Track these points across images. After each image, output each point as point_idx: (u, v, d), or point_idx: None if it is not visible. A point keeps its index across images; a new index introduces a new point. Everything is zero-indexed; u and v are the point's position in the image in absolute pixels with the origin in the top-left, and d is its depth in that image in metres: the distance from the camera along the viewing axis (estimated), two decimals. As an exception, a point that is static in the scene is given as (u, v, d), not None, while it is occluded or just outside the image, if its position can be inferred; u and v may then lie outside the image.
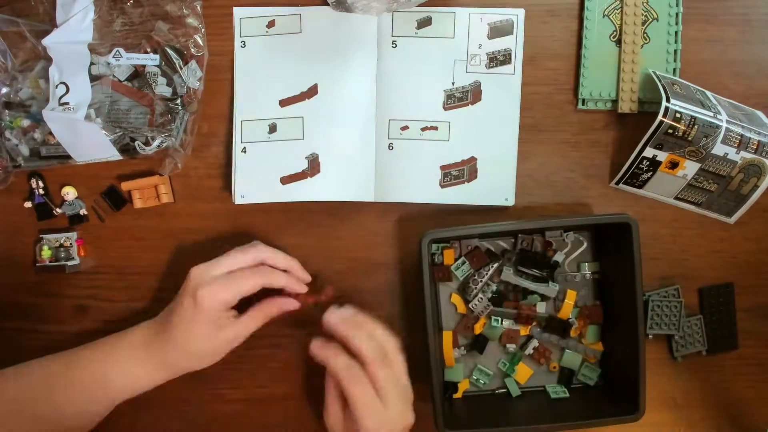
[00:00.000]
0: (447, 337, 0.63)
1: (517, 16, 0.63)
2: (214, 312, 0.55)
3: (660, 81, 0.60)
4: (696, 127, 0.57)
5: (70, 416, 0.57)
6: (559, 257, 0.64)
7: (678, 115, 0.57)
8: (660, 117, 0.57)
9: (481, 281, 0.63)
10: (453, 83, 0.64)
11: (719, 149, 0.59)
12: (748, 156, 0.59)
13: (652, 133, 0.58)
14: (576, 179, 0.65)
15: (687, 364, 0.66)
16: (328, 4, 0.63)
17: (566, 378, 0.65)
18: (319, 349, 0.54)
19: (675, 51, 0.63)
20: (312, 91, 0.64)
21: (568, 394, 0.64)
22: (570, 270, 0.65)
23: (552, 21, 0.64)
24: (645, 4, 0.63)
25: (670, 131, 0.58)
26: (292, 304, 0.58)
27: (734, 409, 0.67)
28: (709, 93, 0.62)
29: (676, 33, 0.63)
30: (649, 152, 0.60)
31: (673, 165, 0.60)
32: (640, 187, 0.64)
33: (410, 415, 0.55)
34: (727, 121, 0.59)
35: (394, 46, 0.63)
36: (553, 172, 0.65)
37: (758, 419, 0.67)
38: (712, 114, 0.59)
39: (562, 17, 0.64)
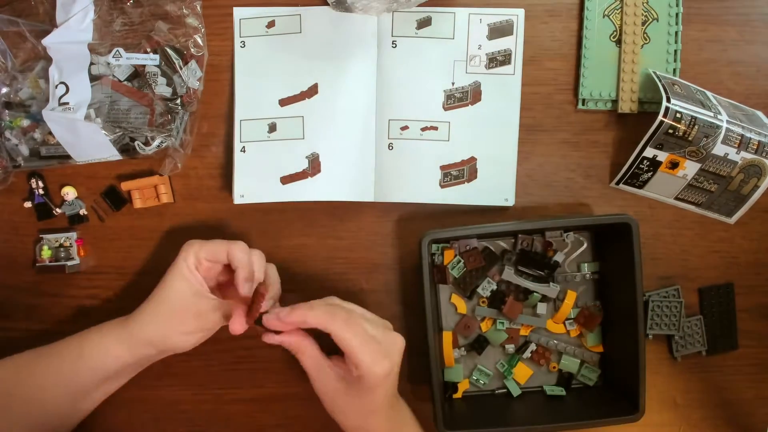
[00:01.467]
0: (447, 337, 0.63)
1: (517, 16, 0.63)
2: (193, 278, 0.56)
3: (660, 81, 0.60)
4: (696, 127, 0.57)
5: (41, 409, 0.57)
6: (559, 257, 0.63)
7: (678, 115, 0.57)
8: (660, 117, 0.57)
9: (480, 282, 0.63)
10: (453, 83, 0.64)
11: (719, 149, 0.59)
12: (749, 156, 0.59)
13: (652, 133, 0.58)
14: (576, 179, 0.65)
15: (687, 364, 0.66)
16: (328, 4, 0.63)
17: (566, 379, 0.65)
18: (287, 318, 0.53)
19: (675, 51, 0.63)
20: (312, 91, 0.64)
21: (564, 392, 0.64)
22: (570, 270, 0.65)
23: (552, 21, 0.64)
24: (645, 4, 0.63)
25: (671, 131, 0.58)
26: (238, 326, 0.56)
27: (734, 409, 0.67)
28: (709, 93, 0.62)
29: (676, 33, 0.63)
30: (649, 152, 0.60)
31: (674, 165, 0.60)
32: (640, 187, 0.64)
33: (399, 337, 0.55)
34: (728, 122, 0.59)
35: (394, 46, 0.63)
36: (553, 172, 0.65)
37: (758, 419, 0.67)
38: (712, 114, 0.59)
39: (562, 17, 0.64)
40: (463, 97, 0.64)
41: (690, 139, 0.58)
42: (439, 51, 0.63)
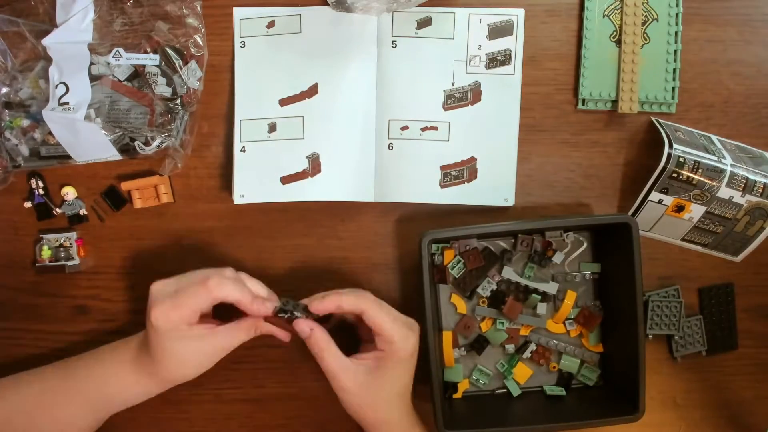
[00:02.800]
0: (447, 337, 0.63)
1: (516, 16, 0.63)
2: (174, 331, 0.53)
3: (663, 128, 0.61)
4: (700, 171, 0.58)
5: (65, 427, 0.57)
6: (559, 257, 0.63)
7: (681, 159, 0.58)
8: (663, 163, 0.58)
9: (480, 282, 0.63)
10: (453, 83, 0.64)
11: (724, 193, 0.60)
12: (754, 199, 0.60)
13: (656, 178, 0.59)
14: (576, 179, 0.65)
15: (687, 364, 0.66)
16: (328, 4, 0.63)
17: (566, 379, 0.65)
18: (319, 304, 0.55)
19: (675, 51, 0.63)
20: (312, 91, 0.64)
21: (564, 392, 0.64)
22: (570, 270, 0.65)
23: (552, 21, 0.64)
24: (645, 4, 0.63)
25: (675, 176, 0.59)
26: (275, 332, 0.57)
27: (734, 409, 0.67)
28: (713, 137, 0.63)
29: (676, 33, 0.63)
30: (654, 196, 0.61)
31: (679, 209, 0.60)
32: (646, 229, 0.64)
33: (415, 323, 0.58)
34: (732, 165, 0.59)
35: (394, 46, 0.63)
36: (553, 172, 0.65)
37: (758, 419, 0.67)
38: (716, 158, 0.59)
39: (562, 17, 0.64)
40: (463, 97, 0.64)
41: (694, 183, 0.59)
42: (438, 51, 0.63)
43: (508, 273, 0.63)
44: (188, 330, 0.54)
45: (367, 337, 0.58)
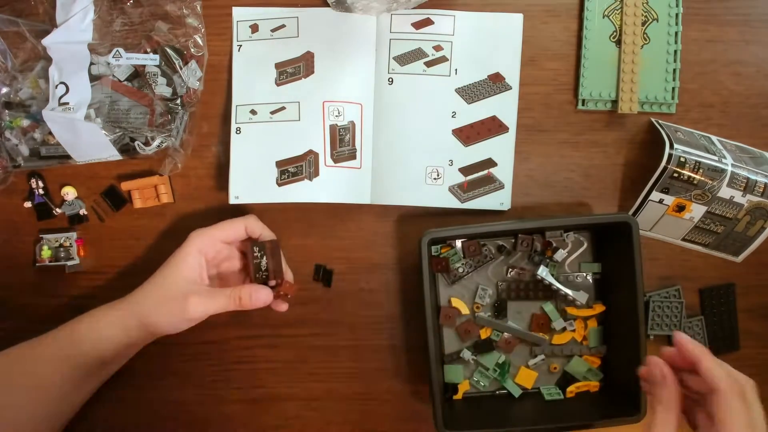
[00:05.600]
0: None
1: (516, 19, 0.63)
2: (195, 251, 0.57)
3: (663, 128, 0.61)
4: (701, 171, 0.58)
5: (54, 389, 0.57)
6: (559, 257, 0.63)
7: (682, 159, 0.58)
8: (664, 163, 0.58)
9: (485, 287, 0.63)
10: (453, 83, 0.63)
11: (725, 192, 0.60)
12: (755, 199, 0.60)
13: (657, 178, 0.59)
14: (576, 179, 0.65)
15: (688, 365, 0.66)
16: (328, 5, 0.63)
17: (566, 379, 0.65)
18: (687, 347, 0.45)
19: (675, 51, 0.63)
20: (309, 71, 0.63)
21: (562, 396, 0.64)
22: (570, 270, 0.65)
23: (552, 21, 0.64)
24: (645, 4, 0.63)
25: (676, 175, 0.59)
26: (265, 295, 0.58)
27: (735, 410, 0.67)
28: (714, 138, 0.63)
29: (676, 33, 0.63)
30: (655, 196, 0.61)
31: (680, 208, 0.60)
32: (647, 229, 0.64)
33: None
34: (733, 165, 0.59)
35: (392, 47, 0.63)
36: (552, 172, 0.65)
37: (759, 420, 0.67)
38: (716, 158, 0.59)
39: (561, 18, 0.64)
40: (464, 99, 0.64)
41: (695, 183, 0.59)
42: (438, 53, 0.63)
43: (543, 273, 0.62)
44: (200, 274, 0.57)
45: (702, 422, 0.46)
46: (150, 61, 0.62)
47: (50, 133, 0.61)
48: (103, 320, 0.58)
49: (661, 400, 0.45)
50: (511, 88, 0.64)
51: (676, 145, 0.59)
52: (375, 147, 0.64)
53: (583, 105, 0.64)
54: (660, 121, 0.63)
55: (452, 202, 0.64)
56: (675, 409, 0.44)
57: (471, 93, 0.64)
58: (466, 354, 0.64)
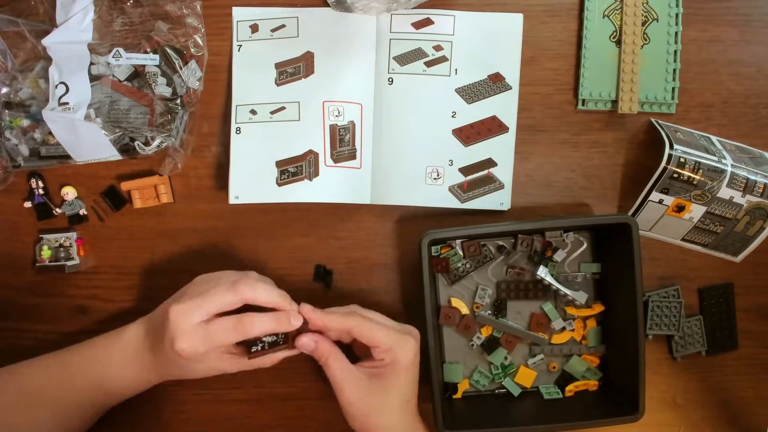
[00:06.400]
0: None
1: (515, 20, 0.63)
2: (198, 356, 0.54)
3: (663, 129, 0.61)
4: (701, 171, 0.58)
5: (65, 416, 0.58)
6: (559, 257, 0.63)
7: (682, 160, 0.58)
8: (663, 163, 0.58)
9: (485, 287, 0.63)
10: (453, 83, 0.63)
11: (725, 193, 0.60)
12: (754, 199, 0.60)
13: (657, 178, 0.59)
14: (576, 179, 0.65)
15: (687, 365, 0.66)
16: (327, 5, 0.63)
17: (565, 379, 0.65)
18: (318, 318, 0.55)
19: (675, 51, 0.63)
20: (309, 70, 0.63)
21: (561, 395, 0.64)
22: (570, 270, 0.65)
23: (552, 21, 0.64)
24: (645, 4, 0.63)
25: (675, 176, 0.59)
26: (287, 352, 0.57)
27: (734, 409, 0.67)
28: (713, 138, 0.63)
29: (676, 33, 0.63)
30: (655, 197, 0.61)
31: (680, 209, 0.60)
32: (646, 229, 0.64)
33: (413, 328, 0.57)
34: (732, 165, 0.60)
35: (392, 48, 0.63)
36: (552, 172, 0.65)
37: (757, 419, 0.67)
38: (716, 159, 0.60)
39: (561, 18, 0.64)
40: (464, 99, 0.64)
41: (695, 183, 0.59)
42: (438, 53, 0.63)
43: (543, 273, 0.62)
44: (208, 354, 0.54)
45: (366, 352, 0.57)
46: (150, 61, 0.62)
47: (50, 133, 0.61)
48: (129, 367, 0.57)
49: (323, 354, 0.55)
50: (511, 88, 0.64)
51: (675, 146, 0.59)
52: (375, 147, 0.64)
53: (583, 105, 0.64)
54: (660, 122, 0.63)
55: (452, 202, 0.64)
56: (335, 352, 0.55)
57: (471, 93, 0.64)
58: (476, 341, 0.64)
